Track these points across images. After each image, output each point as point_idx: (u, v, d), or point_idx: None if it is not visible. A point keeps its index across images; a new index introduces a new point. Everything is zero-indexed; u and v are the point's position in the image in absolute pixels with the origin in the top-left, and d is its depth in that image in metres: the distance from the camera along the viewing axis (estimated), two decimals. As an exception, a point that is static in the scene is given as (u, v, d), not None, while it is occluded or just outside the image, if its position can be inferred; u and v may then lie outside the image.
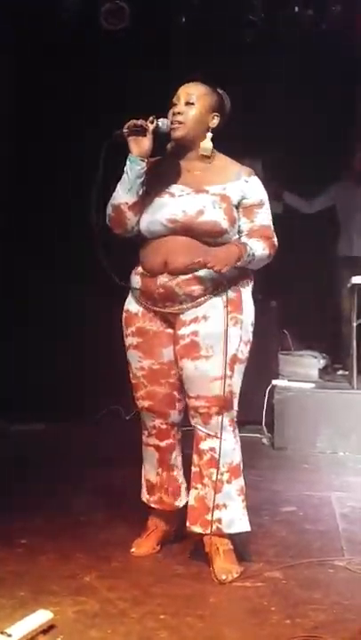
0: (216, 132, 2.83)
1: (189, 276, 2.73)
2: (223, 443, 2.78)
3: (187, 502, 2.93)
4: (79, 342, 5.56)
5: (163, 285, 2.77)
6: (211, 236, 2.74)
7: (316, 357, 5.60)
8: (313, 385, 5.19)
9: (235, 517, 2.79)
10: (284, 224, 5.86)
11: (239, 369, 2.80)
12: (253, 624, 2.36)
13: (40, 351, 5.64)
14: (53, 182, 5.86)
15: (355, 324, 5.08)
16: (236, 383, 2.80)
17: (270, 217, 2.85)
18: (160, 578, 2.76)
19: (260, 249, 2.77)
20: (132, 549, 2.99)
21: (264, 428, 5.15)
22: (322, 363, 5.60)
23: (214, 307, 2.74)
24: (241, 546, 2.98)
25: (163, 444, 2.99)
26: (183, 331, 2.79)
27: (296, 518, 3.47)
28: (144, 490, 3.08)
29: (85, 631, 2.30)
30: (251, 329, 2.83)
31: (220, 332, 2.72)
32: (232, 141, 5.54)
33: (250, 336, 2.82)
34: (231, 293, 2.76)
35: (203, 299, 2.75)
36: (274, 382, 5.19)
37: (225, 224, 2.74)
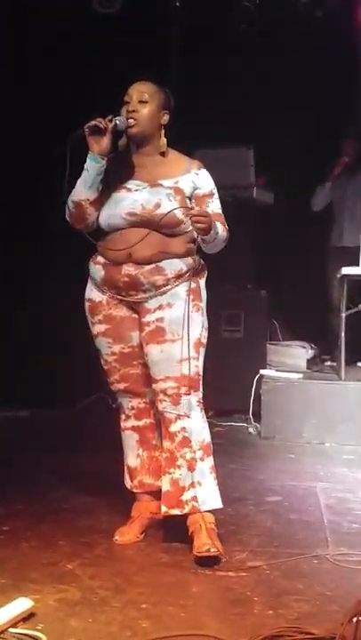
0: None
1: (153, 265, 2.84)
2: (193, 422, 2.86)
3: None
4: (66, 329, 5.52)
5: (127, 275, 2.85)
6: (168, 227, 2.84)
7: (304, 348, 5.59)
8: (301, 375, 5.18)
9: (208, 495, 2.84)
10: (274, 214, 5.94)
11: (202, 353, 2.91)
12: (236, 614, 2.34)
13: (26, 338, 5.61)
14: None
15: (344, 315, 5.06)
16: (200, 365, 2.90)
17: (220, 207, 2.96)
18: (143, 566, 2.74)
19: (220, 229, 2.88)
20: (116, 537, 2.97)
21: (251, 418, 5.14)
22: (310, 353, 5.59)
23: (178, 295, 2.86)
24: (225, 535, 2.98)
25: (141, 423, 3.04)
26: (148, 318, 2.88)
27: (281, 508, 3.45)
28: (126, 477, 3.09)
29: (66, 620, 2.28)
30: (206, 316, 2.96)
31: (184, 317, 2.84)
32: (230, 128, 5.51)
33: (207, 323, 2.96)
34: (192, 283, 2.88)
35: (165, 288, 2.85)
36: (262, 372, 5.18)
37: (180, 215, 2.84)
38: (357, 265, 5.06)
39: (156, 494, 3.01)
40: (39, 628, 2.19)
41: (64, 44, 5.77)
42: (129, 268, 2.84)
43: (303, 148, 6.10)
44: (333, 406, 4.86)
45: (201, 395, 2.90)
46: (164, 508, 2.87)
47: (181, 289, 2.86)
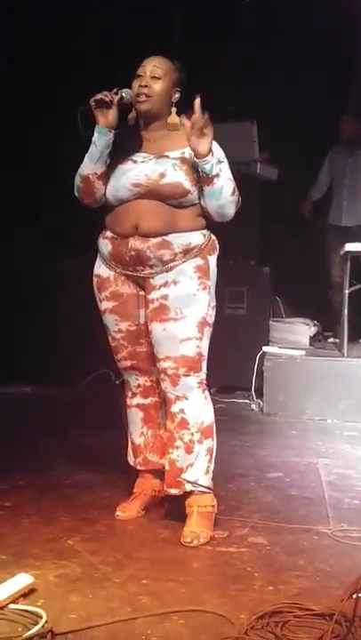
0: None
1: (160, 239, 2.78)
2: (191, 404, 2.81)
3: None
4: (69, 304, 5.52)
5: (134, 248, 2.80)
6: (175, 198, 2.77)
7: (307, 325, 5.58)
8: (303, 352, 5.17)
9: (199, 475, 2.81)
10: (277, 191, 5.90)
11: (208, 332, 2.85)
12: (236, 590, 2.34)
13: (28, 314, 5.61)
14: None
15: (347, 292, 5.04)
16: (204, 346, 2.83)
17: (231, 175, 2.82)
18: (144, 542, 2.74)
19: (227, 180, 2.76)
20: (117, 513, 2.98)
21: (253, 394, 5.15)
22: (313, 330, 5.58)
23: (183, 272, 2.80)
24: (226, 511, 2.99)
25: (147, 401, 3.02)
26: (153, 295, 2.83)
27: (282, 484, 3.45)
28: (130, 454, 3.08)
29: (66, 595, 2.28)
30: (214, 295, 2.88)
31: (189, 295, 2.79)
32: (232, 103, 5.46)
33: (215, 302, 2.88)
34: (200, 260, 2.81)
35: (172, 264, 2.79)
36: (264, 349, 5.17)
37: (187, 184, 2.77)
38: (361, 242, 5.05)
39: (160, 472, 3.02)
40: (39, 603, 2.20)
41: (64, 19, 5.72)
42: (135, 242, 2.79)
43: (307, 124, 6.05)
44: (336, 383, 4.85)
45: (204, 375, 2.84)
46: (165, 487, 2.88)
47: (188, 266, 2.79)
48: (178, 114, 2.85)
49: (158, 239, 2.78)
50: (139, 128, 2.90)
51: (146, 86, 2.80)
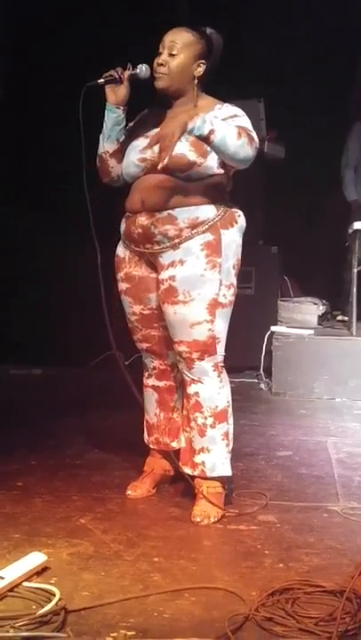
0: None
1: (165, 214, 2.69)
2: (206, 387, 2.79)
3: None
4: (79, 287, 5.53)
5: (140, 225, 2.75)
6: (180, 170, 2.67)
7: (315, 304, 5.57)
8: (312, 331, 5.17)
9: (217, 461, 2.80)
10: (285, 169, 5.87)
11: (222, 313, 2.76)
12: (247, 567, 2.36)
13: (39, 296, 5.62)
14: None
15: (355, 270, 5.03)
16: (218, 328, 2.76)
17: (250, 126, 2.68)
18: (155, 520, 2.76)
19: (224, 124, 2.58)
20: (128, 492, 3.00)
21: (262, 374, 5.17)
22: (321, 309, 5.57)
23: (190, 250, 2.70)
24: (236, 489, 3.02)
25: (162, 384, 3.01)
26: (163, 275, 2.76)
27: (292, 463, 3.47)
28: (145, 431, 3.10)
29: (79, 573, 2.31)
30: (234, 272, 2.77)
31: (196, 276, 2.69)
32: (237, 84, 5.43)
33: (233, 280, 2.77)
34: (209, 236, 2.70)
35: (178, 240, 2.70)
36: (273, 328, 5.17)
37: (192, 156, 2.66)
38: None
39: (169, 454, 3.02)
40: (53, 581, 2.22)
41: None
42: (142, 218, 2.74)
43: (316, 102, 6.01)
44: (344, 362, 4.86)
45: (220, 357, 2.80)
46: (180, 464, 2.89)
47: (195, 243, 2.68)
48: (205, 83, 2.76)
49: (164, 214, 2.70)
50: (163, 107, 2.81)
51: (162, 64, 2.72)
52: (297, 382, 4.92)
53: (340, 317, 5.72)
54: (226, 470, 2.83)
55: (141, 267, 2.86)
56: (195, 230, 2.70)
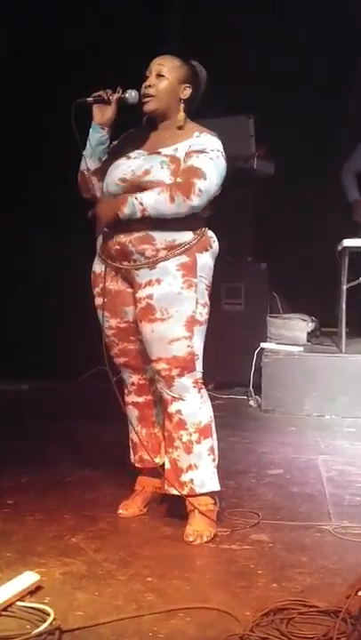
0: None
1: (143, 233, 2.74)
2: (188, 404, 2.80)
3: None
4: (67, 301, 5.53)
5: (118, 242, 2.79)
6: None
7: (304, 321, 5.58)
8: (301, 348, 5.18)
9: (205, 477, 2.80)
10: (274, 186, 5.90)
11: (199, 331, 2.81)
12: (240, 587, 2.36)
13: (26, 311, 5.61)
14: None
15: (344, 287, 5.06)
16: (196, 345, 2.80)
17: (210, 165, 2.72)
18: (147, 539, 2.76)
19: (153, 196, 2.68)
20: (120, 511, 2.99)
21: (252, 391, 5.16)
22: (311, 326, 5.59)
23: (167, 270, 2.75)
24: (228, 508, 3.01)
25: (141, 399, 3.03)
26: (140, 293, 2.80)
27: (283, 481, 3.47)
28: (131, 451, 3.10)
29: (72, 593, 2.30)
30: (207, 292, 2.84)
31: (173, 294, 2.75)
32: (229, 98, 5.45)
33: (207, 299, 2.84)
34: (185, 257, 2.76)
35: (154, 259, 2.75)
36: (262, 345, 5.18)
37: (168, 181, 2.72)
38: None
39: (157, 470, 3.01)
40: (46, 601, 2.21)
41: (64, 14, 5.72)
42: (120, 235, 2.77)
43: (305, 118, 6.05)
44: (334, 379, 4.87)
45: (199, 374, 2.82)
46: (165, 486, 2.87)
47: (171, 263, 2.74)
48: (189, 110, 2.84)
49: (141, 233, 2.74)
50: (150, 129, 2.90)
51: (150, 86, 2.80)
52: (287, 399, 4.93)
53: (325, 329, 5.71)
54: (215, 485, 2.83)
55: (117, 281, 2.89)
56: (171, 252, 2.76)
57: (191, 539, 2.72)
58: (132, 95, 2.80)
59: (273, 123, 5.78)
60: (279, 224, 6.23)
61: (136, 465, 3.08)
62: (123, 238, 2.77)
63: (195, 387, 2.81)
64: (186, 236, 2.77)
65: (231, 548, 2.68)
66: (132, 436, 3.07)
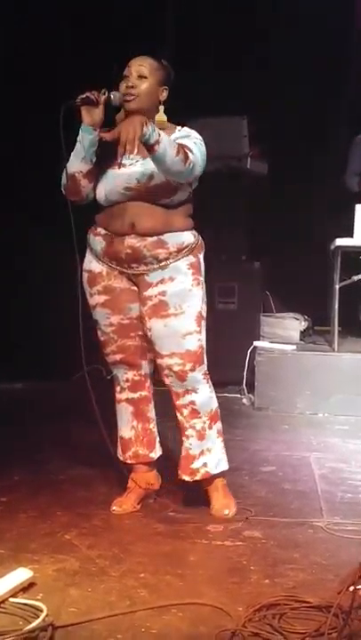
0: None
1: (155, 238, 2.86)
2: (200, 395, 2.96)
3: (161, 456, 3.12)
4: (60, 300, 5.52)
5: (130, 247, 2.86)
6: (166, 196, 2.85)
7: (297, 319, 5.60)
8: (294, 347, 5.20)
9: (218, 459, 3.00)
10: (268, 185, 5.91)
11: (204, 326, 2.96)
12: (233, 583, 2.37)
13: (26, 311, 5.61)
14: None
15: (337, 286, 5.07)
16: (204, 339, 2.96)
17: (194, 146, 2.81)
18: (140, 536, 2.77)
19: (168, 140, 2.71)
20: (113, 508, 3.00)
21: (245, 389, 5.18)
22: (304, 325, 5.61)
23: (178, 269, 2.88)
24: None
25: (136, 395, 3.08)
26: (150, 292, 2.90)
27: (275, 478, 3.48)
28: (119, 449, 3.12)
29: (65, 589, 2.30)
30: (205, 290, 3.00)
31: (185, 291, 2.88)
32: (219, 99, 5.47)
33: (206, 297, 2.99)
34: (192, 258, 2.91)
35: (167, 262, 2.87)
36: (255, 344, 5.20)
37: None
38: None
39: (152, 465, 3.10)
40: (39, 597, 2.22)
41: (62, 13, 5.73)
42: (132, 240, 2.85)
43: (298, 118, 6.07)
44: (327, 377, 4.89)
45: (205, 367, 2.96)
46: (178, 472, 3.00)
47: (182, 263, 2.88)
48: (165, 112, 2.89)
49: (154, 238, 2.85)
50: None
51: (132, 86, 2.84)
52: (280, 397, 4.94)
53: (317, 327, 5.72)
54: (225, 464, 3.03)
55: (122, 280, 2.95)
56: (181, 253, 2.89)
57: (226, 511, 2.95)
58: (116, 96, 2.83)
59: (267, 123, 5.79)
60: (272, 223, 6.25)
61: (128, 461, 3.10)
62: (136, 243, 2.85)
63: (204, 378, 2.97)
64: (191, 238, 2.93)
65: (224, 545, 2.69)
66: (124, 432, 3.10)
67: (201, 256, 2.96)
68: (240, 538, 2.75)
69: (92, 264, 2.98)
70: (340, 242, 5.04)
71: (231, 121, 5.58)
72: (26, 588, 2.28)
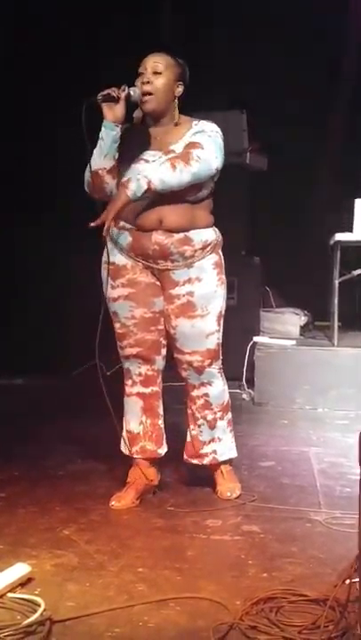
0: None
1: (182, 235, 2.90)
2: (214, 388, 3.07)
3: (166, 453, 3.13)
4: (62, 297, 5.55)
5: (158, 243, 2.89)
6: (192, 192, 2.88)
7: (297, 314, 5.60)
8: (294, 342, 5.20)
9: (226, 447, 3.12)
10: (267, 180, 5.91)
11: (222, 323, 3.06)
12: (231, 577, 2.37)
13: (21, 306, 5.62)
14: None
15: (337, 282, 5.07)
16: (221, 336, 3.07)
17: (207, 139, 2.85)
18: (139, 531, 2.77)
19: (155, 168, 2.76)
20: (112, 503, 3.01)
21: (245, 384, 5.17)
22: (303, 320, 5.60)
23: (204, 269, 2.95)
24: (220, 499, 3.05)
25: (148, 390, 3.09)
26: (178, 290, 2.95)
27: (274, 473, 3.49)
28: (125, 442, 3.11)
29: (63, 584, 2.31)
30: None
31: (212, 292, 2.97)
32: (218, 93, 5.46)
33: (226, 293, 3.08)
34: (215, 256, 2.98)
35: (192, 259, 2.92)
36: (255, 339, 5.20)
37: None
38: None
39: (154, 461, 3.11)
40: (37, 592, 2.22)
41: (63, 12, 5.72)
42: (159, 237, 2.88)
43: (298, 113, 6.06)
44: (326, 372, 4.89)
45: (221, 362, 3.08)
46: (185, 457, 3.12)
47: (207, 262, 2.94)
48: (180, 108, 2.92)
49: (181, 235, 2.89)
50: (146, 125, 2.95)
51: (148, 82, 2.85)
52: (279, 392, 4.94)
53: (317, 323, 5.71)
54: (234, 452, 3.16)
55: (147, 274, 2.98)
56: (205, 251, 2.95)
57: (229, 493, 3.07)
58: (135, 92, 2.84)
59: (266, 117, 5.78)
60: (272, 218, 6.24)
61: (134, 456, 3.10)
62: (164, 240, 2.88)
63: (219, 372, 3.08)
64: (213, 235, 2.99)
65: (222, 539, 2.70)
66: (132, 427, 3.10)
67: (221, 253, 3.02)
68: (238, 532, 2.76)
69: (116, 257, 2.96)
70: (339, 237, 5.04)
71: (230, 115, 5.56)
72: (24, 582, 2.28)
